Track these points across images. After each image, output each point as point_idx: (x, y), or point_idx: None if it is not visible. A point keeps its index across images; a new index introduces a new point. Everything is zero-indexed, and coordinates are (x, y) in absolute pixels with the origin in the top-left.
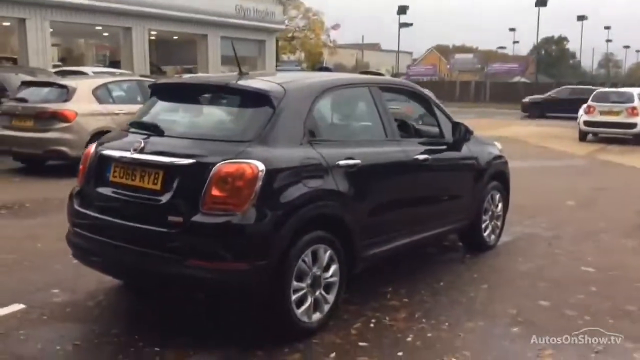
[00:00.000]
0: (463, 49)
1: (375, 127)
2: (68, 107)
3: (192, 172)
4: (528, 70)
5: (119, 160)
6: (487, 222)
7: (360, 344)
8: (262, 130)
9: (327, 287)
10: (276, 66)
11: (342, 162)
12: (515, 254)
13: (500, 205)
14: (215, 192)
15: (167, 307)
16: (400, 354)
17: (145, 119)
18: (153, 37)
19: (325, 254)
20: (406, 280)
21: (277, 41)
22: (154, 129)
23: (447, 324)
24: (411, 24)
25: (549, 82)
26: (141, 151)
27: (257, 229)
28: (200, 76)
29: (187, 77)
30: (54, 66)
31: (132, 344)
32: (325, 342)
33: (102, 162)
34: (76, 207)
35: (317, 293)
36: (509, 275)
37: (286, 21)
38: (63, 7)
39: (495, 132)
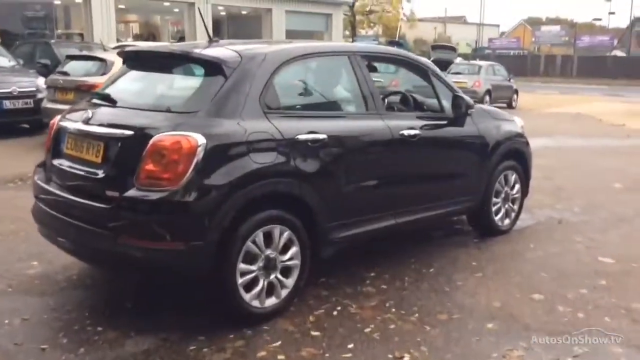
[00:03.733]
0: (556, 21)
1: (353, 99)
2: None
3: (130, 145)
4: (621, 43)
5: (71, 132)
6: (499, 204)
7: (313, 333)
8: (210, 100)
9: (286, 271)
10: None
11: (302, 137)
12: (529, 240)
13: (516, 187)
14: (149, 166)
15: (135, 285)
16: (350, 346)
17: (107, 88)
18: (223, 13)
19: (282, 236)
20: (395, 264)
21: (354, 15)
22: (108, 99)
23: (416, 315)
24: None
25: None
26: (87, 122)
27: (192, 207)
28: (166, 44)
29: (153, 44)
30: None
31: (79, 322)
32: (277, 328)
33: (60, 134)
34: (36, 179)
35: (272, 277)
36: (510, 263)
37: None
38: None
39: (572, 108)
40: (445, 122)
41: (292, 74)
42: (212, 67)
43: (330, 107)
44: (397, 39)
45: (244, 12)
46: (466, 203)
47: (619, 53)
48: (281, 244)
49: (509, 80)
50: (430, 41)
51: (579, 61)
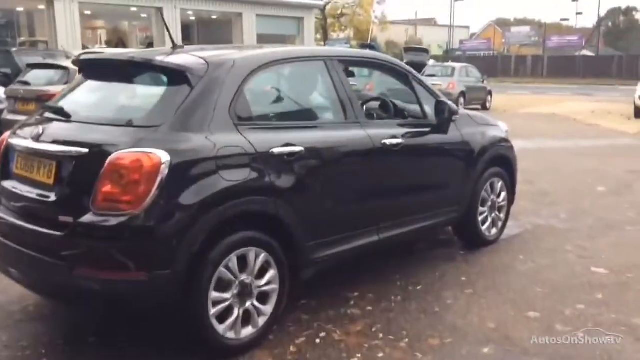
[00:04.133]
0: (524, 22)
1: (331, 107)
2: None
3: (86, 164)
4: (589, 43)
5: (21, 150)
6: (486, 213)
7: None
8: (174, 113)
9: (263, 297)
10: (324, 45)
11: (277, 150)
12: (518, 250)
13: (503, 194)
14: (107, 187)
15: (98, 317)
16: None
17: (61, 101)
18: (193, 18)
19: (258, 259)
20: (378, 282)
21: (325, 19)
22: (62, 113)
23: (406, 340)
24: None
25: (609, 55)
26: (38, 139)
27: (157, 232)
28: (127, 51)
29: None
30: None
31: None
32: None
33: (9, 152)
34: None
35: (248, 304)
36: (501, 277)
37: None
38: None
39: (546, 108)
40: (428, 129)
41: (264, 82)
42: (177, 76)
43: (306, 117)
44: (369, 42)
45: (214, 17)
46: (452, 214)
47: (587, 53)
48: (257, 267)
49: (483, 81)
50: (401, 44)
51: (549, 61)
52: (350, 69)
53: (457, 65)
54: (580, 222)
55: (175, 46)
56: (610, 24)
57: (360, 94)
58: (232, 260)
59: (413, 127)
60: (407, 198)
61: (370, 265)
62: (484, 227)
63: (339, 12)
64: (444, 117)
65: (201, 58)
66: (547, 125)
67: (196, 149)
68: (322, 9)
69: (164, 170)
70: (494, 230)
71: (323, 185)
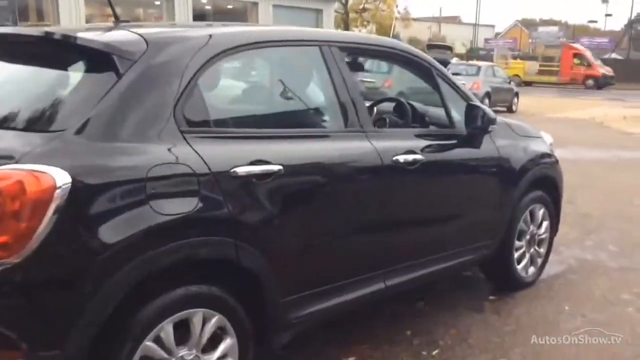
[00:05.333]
0: (550, 23)
1: (325, 110)
2: None
3: None
4: (619, 46)
5: None
6: (523, 249)
7: None
8: (86, 112)
9: None
10: None
11: (242, 170)
12: (562, 298)
13: (544, 224)
14: None
15: None
16: None
17: None
18: (208, 7)
19: (207, 324)
20: (381, 340)
21: (347, 13)
22: None
23: None
24: None
25: None
26: None
27: (43, 292)
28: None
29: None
30: None
31: None
32: None
33: None
34: None
35: None
36: (544, 340)
37: None
38: None
39: (576, 113)
40: (455, 141)
41: (229, 72)
42: (100, 59)
43: (288, 123)
44: (391, 37)
45: (229, 7)
46: (482, 250)
47: (615, 56)
48: (206, 336)
49: (509, 82)
50: (425, 41)
51: None
52: (357, 59)
53: (482, 64)
54: (635, 259)
55: (117, 20)
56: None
57: (372, 92)
58: (166, 329)
59: (436, 139)
60: (424, 232)
61: (369, 315)
62: (519, 266)
63: (361, 6)
64: (478, 126)
65: (139, 35)
66: (579, 132)
67: (114, 166)
68: (344, 3)
69: (60, 197)
70: (531, 270)
71: (309, 217)
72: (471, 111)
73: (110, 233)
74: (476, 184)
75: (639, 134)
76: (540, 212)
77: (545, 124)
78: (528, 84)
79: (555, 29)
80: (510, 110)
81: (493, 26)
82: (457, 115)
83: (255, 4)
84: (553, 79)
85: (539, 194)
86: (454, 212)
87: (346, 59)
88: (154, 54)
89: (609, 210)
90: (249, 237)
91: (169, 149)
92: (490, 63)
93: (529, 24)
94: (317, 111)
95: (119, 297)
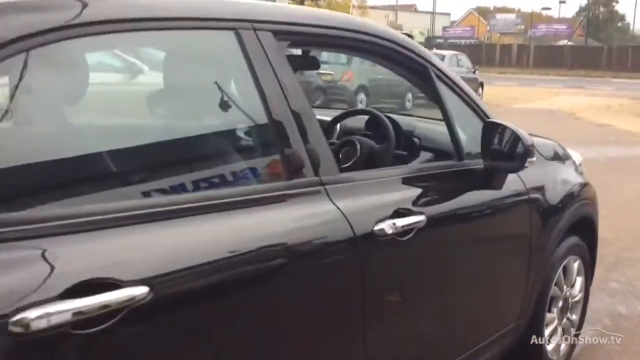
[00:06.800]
0: (504, 10)
1: (243, 149)
2: None
3: None
4: (575, 33)
5: None
6: (555, 323)
7: None
8: None
9: None
10: None
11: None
12: None
13: (579, 281)
14: None
15: None
16: None
17: None
18: None
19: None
20: None
21: (302, 1)
22: None
23: None
24: None
25: (598, 45)
26: None
27: None
28: None
29: None
30: None
31: None
32: None
33: None
34: None
35: None
36: None
37: None
38: None
39: (541, 103)
40: (466, 181)
41: (26, 81)
42: None
43: (146, 177)
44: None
45: None
46: (506, 339)
47: (569, 43)
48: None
49: (474, 72)
50: None
51: (535, 51)
52: (308, 51)
53: (447, 53)
54: None
55: None
56: (590, 14)
57: (329, 87)
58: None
59: (439, 180)
60: (424, 334)
61: None
62: (550, 347)
63: None
64: (509, 162)
65: None
66: (552, 125)
67: None
68: None
69: None
70: (562, 348)
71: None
72: (493, 134)
73: None
74: (498, 245)
75: (614, 126)
76: (575, 266)
77: (513, 116)
78: None
79: (512, 16)
80: None
81: (449, 14)
82: (466, 139)
83: None
84: None
85: (574, 242)
86: (468, 295)
87: (286, 52)
88: None
89: (626, 230)
90: None
91: None
92: (455, 52)
93: (484, 12)
94: (220, 144)
95: None
